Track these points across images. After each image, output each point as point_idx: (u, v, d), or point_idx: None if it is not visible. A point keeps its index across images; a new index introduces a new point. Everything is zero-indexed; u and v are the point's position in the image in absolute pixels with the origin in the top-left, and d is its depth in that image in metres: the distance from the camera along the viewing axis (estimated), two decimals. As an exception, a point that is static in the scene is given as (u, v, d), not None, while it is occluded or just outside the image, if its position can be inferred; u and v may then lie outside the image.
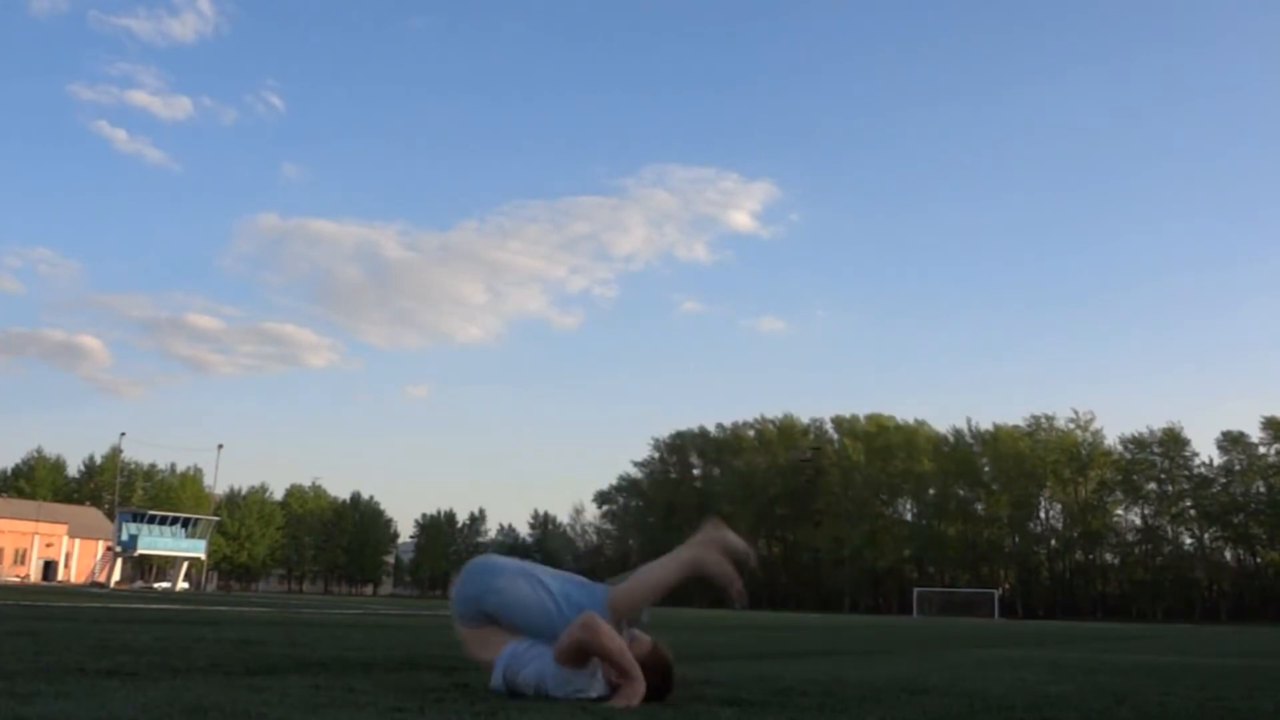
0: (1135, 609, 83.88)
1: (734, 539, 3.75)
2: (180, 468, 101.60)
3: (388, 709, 2.98)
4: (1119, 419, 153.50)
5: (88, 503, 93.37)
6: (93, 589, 42.29)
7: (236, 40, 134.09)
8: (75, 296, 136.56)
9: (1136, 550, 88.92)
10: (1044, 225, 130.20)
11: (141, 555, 67.20)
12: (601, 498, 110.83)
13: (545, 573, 3.77)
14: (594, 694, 3.41)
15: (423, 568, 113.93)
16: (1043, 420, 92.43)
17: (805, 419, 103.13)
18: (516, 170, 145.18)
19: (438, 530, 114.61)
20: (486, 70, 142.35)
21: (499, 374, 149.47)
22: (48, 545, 79.82)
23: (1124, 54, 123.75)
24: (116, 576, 62.26)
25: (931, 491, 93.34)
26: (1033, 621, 54.08)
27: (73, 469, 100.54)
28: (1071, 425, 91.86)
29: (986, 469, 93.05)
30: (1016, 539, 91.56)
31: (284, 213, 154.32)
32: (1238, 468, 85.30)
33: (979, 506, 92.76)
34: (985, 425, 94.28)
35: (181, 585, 64.33)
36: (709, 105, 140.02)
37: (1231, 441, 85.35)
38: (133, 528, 63.54)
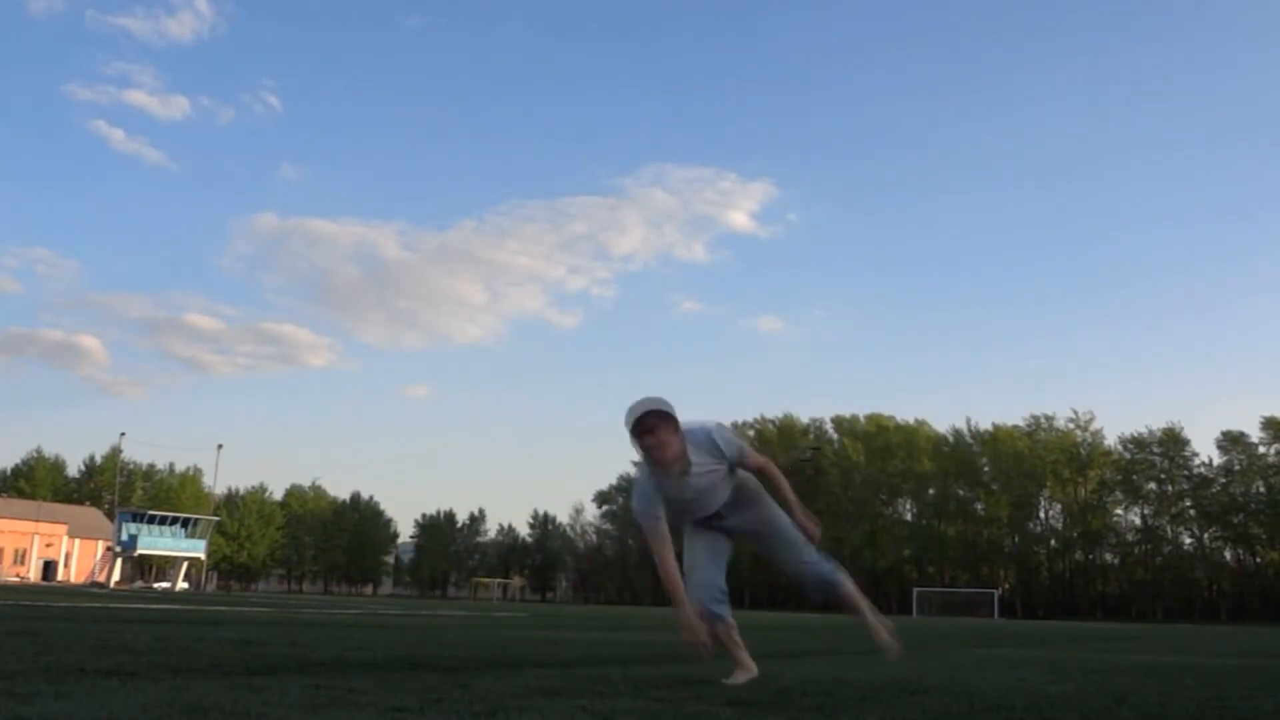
0: (1135, 609, 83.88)
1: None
2: (180, 468, 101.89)
3: (388, 709, 2.97)
4: (1119, 419, 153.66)
5: (87, 503, 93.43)
6: (93, 589, 42.29)
7: (234, 40, 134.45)
8: (74, 296, 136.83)
9: (1136, 550, 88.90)
10: (1043, 224, 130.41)
11: (141, 555, 67.22)
12: (601, 498, 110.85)
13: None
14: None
15: (423, 568, 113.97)
16: (1042, 420, 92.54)
17: (805, 419, 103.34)
18: (514, 170, 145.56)
19: (437, 530, 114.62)
20: (484, 70, 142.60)
21: (498, 374, 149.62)
22: (47, 545, 79.83)
23: (1126, 52, 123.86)
24: (116, 576, 62.27)
25: (931, 491, 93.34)
26: (1033, 621, 54.08)
27: (72, 469, 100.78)
28: (1071, 425, 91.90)
29: (986, 469, 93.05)
30: (1016, 539, 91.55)
31: (282, 212, 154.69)
32: (1238, 468, 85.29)
33: (979, 506, 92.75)
34: (985, 425, 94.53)
35: (181, 585, 64.33)
36: (707, 105, 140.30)
37: (1231, 441, 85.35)
38: (132, 528, 63.56)
